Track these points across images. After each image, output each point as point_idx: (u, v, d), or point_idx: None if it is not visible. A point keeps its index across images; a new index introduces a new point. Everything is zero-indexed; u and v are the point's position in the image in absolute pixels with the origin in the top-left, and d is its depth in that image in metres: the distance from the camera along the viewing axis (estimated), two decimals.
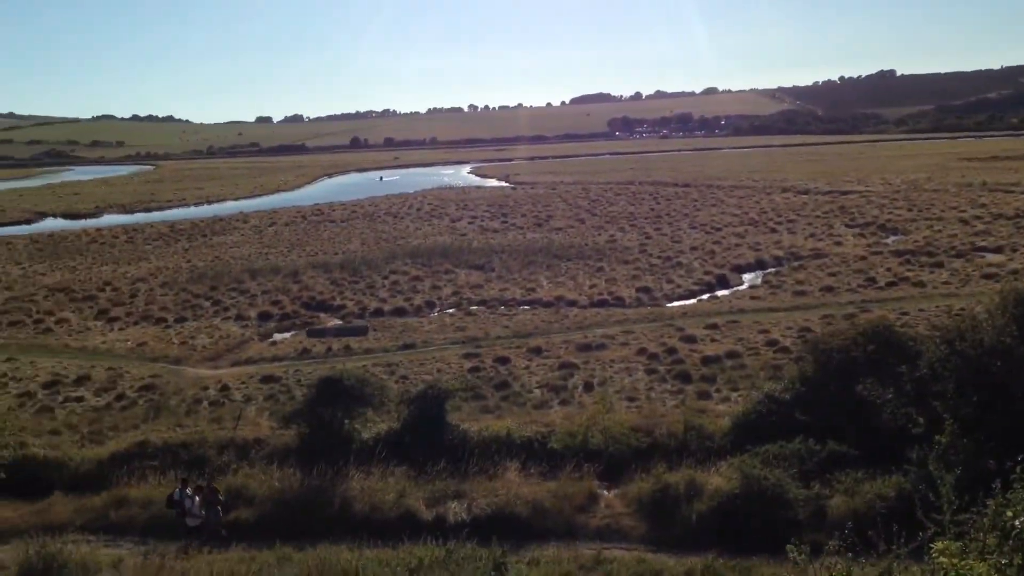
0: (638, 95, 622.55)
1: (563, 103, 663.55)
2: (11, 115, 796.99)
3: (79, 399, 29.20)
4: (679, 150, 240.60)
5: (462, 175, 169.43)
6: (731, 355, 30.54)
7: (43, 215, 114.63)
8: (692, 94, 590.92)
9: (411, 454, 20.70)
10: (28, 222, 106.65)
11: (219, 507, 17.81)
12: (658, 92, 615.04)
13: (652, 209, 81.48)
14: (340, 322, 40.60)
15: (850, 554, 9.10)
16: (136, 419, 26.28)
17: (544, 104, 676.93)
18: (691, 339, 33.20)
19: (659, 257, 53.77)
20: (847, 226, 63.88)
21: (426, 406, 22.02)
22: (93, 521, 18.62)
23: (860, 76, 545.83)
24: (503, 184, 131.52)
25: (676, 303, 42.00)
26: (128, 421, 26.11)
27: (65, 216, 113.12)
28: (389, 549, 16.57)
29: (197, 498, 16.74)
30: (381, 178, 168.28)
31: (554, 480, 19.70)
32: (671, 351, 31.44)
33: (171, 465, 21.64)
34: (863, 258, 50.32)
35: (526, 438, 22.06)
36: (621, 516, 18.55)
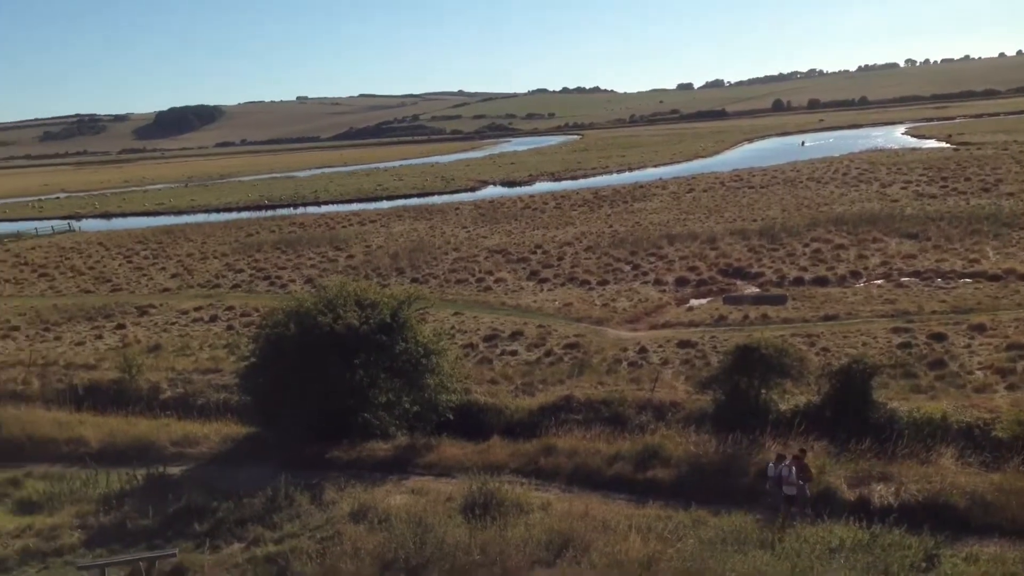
0: None
1: (1019, 52, 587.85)
2: (460, 92, 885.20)
3: (513, 353, 31.90)
4: None
5: (895, 136, 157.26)
6: None
7: (485, 183, 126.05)
8: None
9: (832, 430, 19.84)
10: (473, 190, 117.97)
11: (808, 479, 17.16)
12: None
13: None
14: (757, 290, 39.92)
15: None
16: (562, 374, 28.08)
17: (996, 55, 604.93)
18: None
19: None
20: None
21: (850, 381, 20.91)
22: (525, 465, 20.33)
23: None
24: (943, 145, 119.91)
25: None
26: (555, 376, 27.99)
27: (503, 184, 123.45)
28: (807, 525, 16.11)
29: (794, 468, 16.81)
30: (803, 143, 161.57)
31: (998, 472, 17.73)
32: None
33: (593, 419, 22.92)
34: None
35: (965, 423, 20.12)
36: None
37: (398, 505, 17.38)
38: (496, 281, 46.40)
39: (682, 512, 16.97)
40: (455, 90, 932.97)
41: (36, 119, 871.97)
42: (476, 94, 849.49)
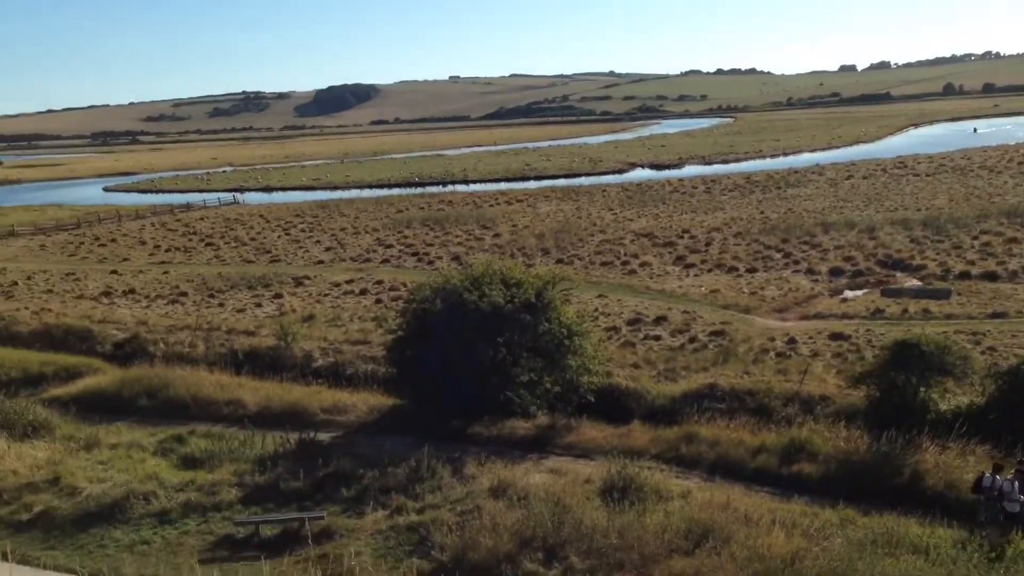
0: None
1: None
2: (611, 73, 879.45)
3: (656, 338, 31.51)
4: None
5: None
6: None
7: (633, 165, 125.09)
8: None
9: (998, 434, 18.68)
10: (620, 172, 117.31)
11: None
12: None
13: None
14: (919, 283, 37.96)
15: None
16: (706, 362, 27.54)
17: None
18: None
19: None
20: None
21: (1019, 383, 19.63)
22: (666, 451, 20.09)
23: None
24: None
25: None
26: (699, 363, 27.48)
27: (651, 167, 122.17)
28: (965, 531, 15.26)
29: (1016, 483, 15.41)
30: (975, 129, 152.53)
31: None
32: None
33: (737, 409, 22.42)
34: None
35: None
36: None
37: (537, 484, 17.51)
38: (641, 265, 45.95)
39: (829, 510, 16.39)
40: (606, 71, 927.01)
41: (207, 95, 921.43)
42: (627, 75, 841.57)
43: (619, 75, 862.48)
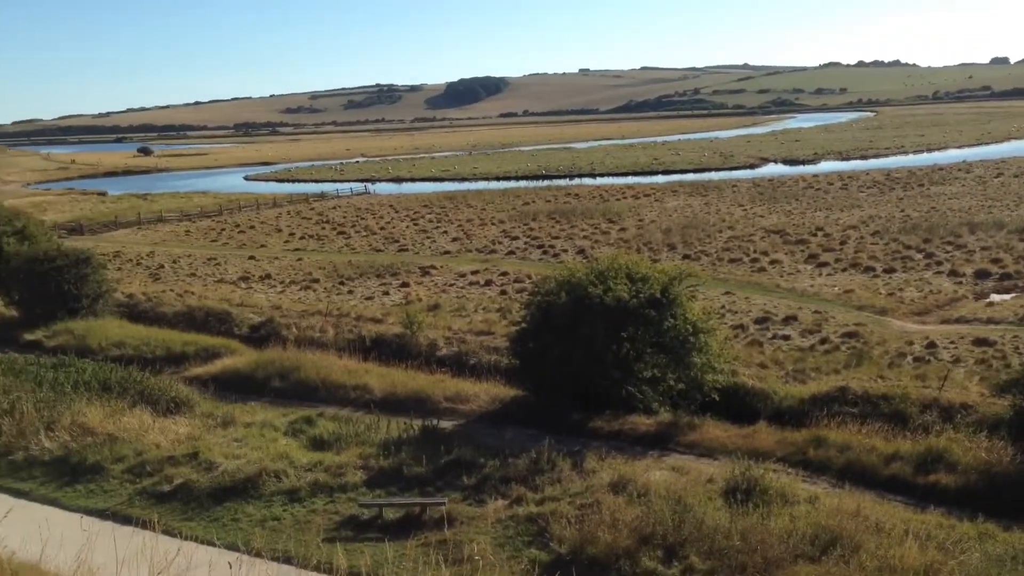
0: None
1: None
2: (745, 66, 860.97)
3: (785, 337, 30.63)
4: None
5: None
6: None
7: (765, 160, 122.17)
8: None
9: None
10: (752, 167, 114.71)
11: None
12: None
13: None
14: None
15: None
16: (837, 364, 26.59)
17: None
18: None
19: None
20: None
21: None
22: (792, 455, 19.46)
23: None
24: None
25: None
26: (829, 365, 26.56)
27: (785, 162, 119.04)
28: None
29: None
30: None
31: None
32: None
33: (870, 415, 21.53)
34: None
35: None
36: None
37: (657, 481, 17.26)
38: (771, 262, 44.79)
39: (967, 523, 15.55)
40: (739, 63, 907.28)
41: (343, 88, 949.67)
42: (761, 67, 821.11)
43: (753, 68, 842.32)
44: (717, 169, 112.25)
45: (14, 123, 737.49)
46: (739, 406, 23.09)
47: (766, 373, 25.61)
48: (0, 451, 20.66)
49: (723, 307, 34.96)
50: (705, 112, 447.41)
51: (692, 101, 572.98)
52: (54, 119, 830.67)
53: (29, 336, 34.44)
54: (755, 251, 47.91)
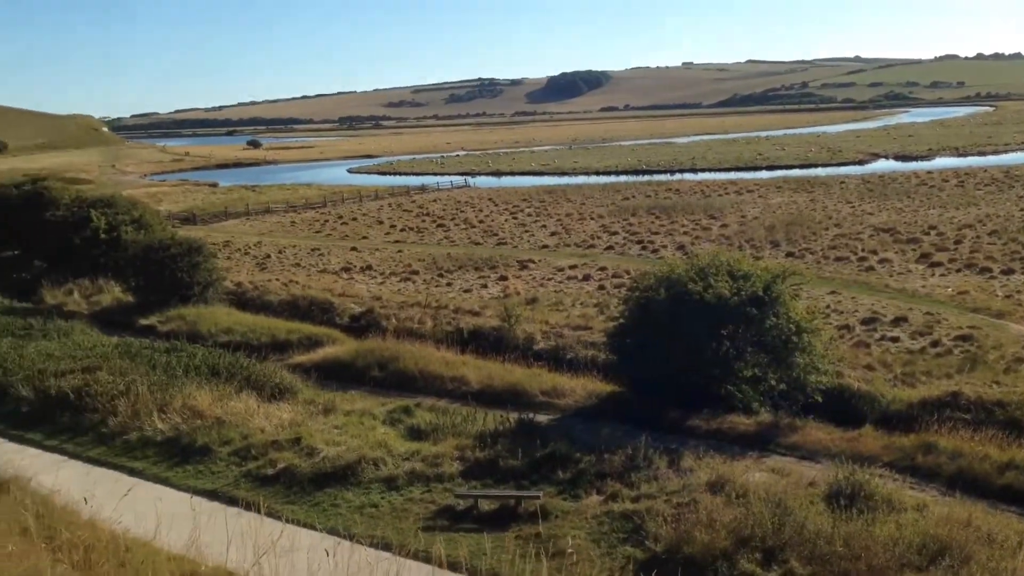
0: None
1: None
2: (856, 58, 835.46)
3: (894, 339, 29.58)
4: None
5: None
6: None
7: (876, 156, 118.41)
8: None
9: None
10: (861, 163, 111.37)
11: None
12: None
13: None
14: None
15: None
16: (949, 368, 25.55)
17: None
18: None
19: None
20: None
21: None
22: (899, 460, 18.79)
23: None
24: None
25: None
26: (941, 368, 25.55)
27: (897, 158, 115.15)
28: None
29: None
30: None
31: None
32: None
33: (984, 422, 20.62)
34: None
35: None
36: None
37: (756, 482, 16.89)
38: (880, 262, 43.35)
39: None
40: (850, 56, 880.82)
41: (445, 83, 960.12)
42: (873, 60, 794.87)
43: (865, 60, 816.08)
44: (824, 165, 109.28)
45: (133, 116, 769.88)
46: (843, 409, 22.42)
47: (873, 375, 24.78)
48: (116, 431, 21.59)
49: (828, 307, 34.00)
50: (813, 106, 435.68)
51: (799, 95, 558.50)
52: (170, 113, 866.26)
53: (144, 321, 35.88)
54: (863, 249, 46.45)
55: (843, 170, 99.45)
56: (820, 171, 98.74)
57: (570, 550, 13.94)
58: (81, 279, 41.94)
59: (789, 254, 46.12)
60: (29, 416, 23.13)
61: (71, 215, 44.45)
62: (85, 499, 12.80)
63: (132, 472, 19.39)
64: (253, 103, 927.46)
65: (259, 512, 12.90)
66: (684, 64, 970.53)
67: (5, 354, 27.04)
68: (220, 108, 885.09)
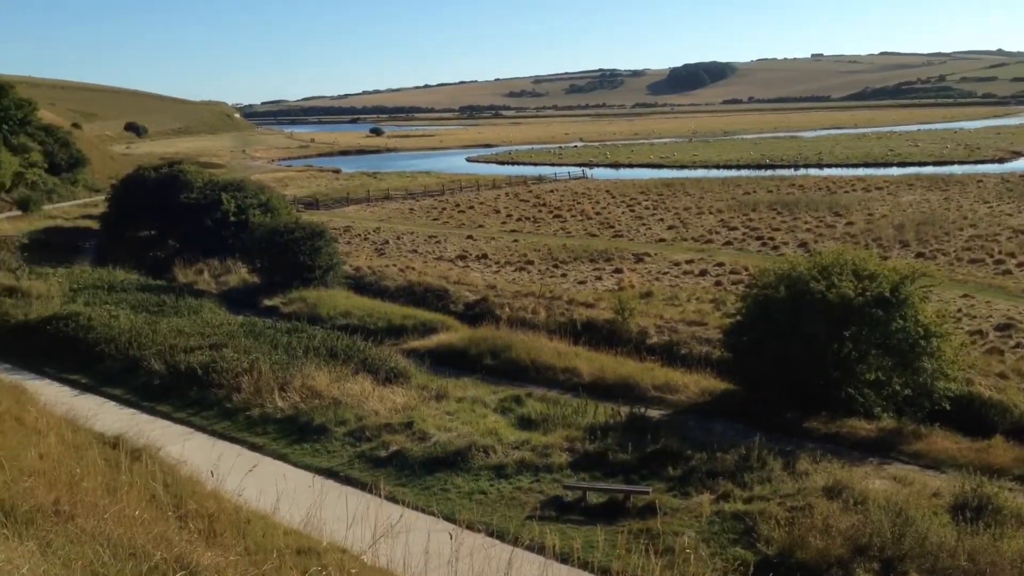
0: None
1: None
2: (999, 51, 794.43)
3: None
4: None
5: None
6: None
7: (1017, 154, 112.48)
8: None
9: None
10: (1001, 161, 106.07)
11: None
12: None
13: None
14: None
15: None
16: None
17: None
18: None
19: None
20: None
21: None
22: None
23: None
24: None
25: None
26: None
27: None
28: None
29: None
30: None
31: None
32: None
33: None
34: None
35: None
36: None
37: (876, 490, 16.28)
38: (1019, 265, 41.17)
39: None
40: (992, 48, 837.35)
41: (565, 73, 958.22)
42: (1016, 54, 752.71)
43: (1008, 53, 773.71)
44: (961, 162, 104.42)
45: (263, 103, 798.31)
46: (972, 417, 21.41)
47: (1006, 384, 23.55)
48: (239, 406, 22.45)
49: (959, 311, 32.52)
50: (950, 101, 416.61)
51: (936, 89, 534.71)
52: (298, 100, 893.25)
53: (268, 302, 37.18)
54: (1000, 252, 44.17)
55: (981, 168, 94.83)
56: (956, 169, 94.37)
57: (687, 549, 13.67)
58: (211, 259, 43.87)
59: (919, 255, 44.25)
60: (160, 389, 24.32)
61: (203, 197, 46.48)
62: (212, 472, 13.32)
63: (253, 447, 20.13)
64: (377, 92, 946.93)
65: (378, 494, 13.16)
66: (813, 56, 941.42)
67: (140, 329, 28.46)
68: (345, 96, 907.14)
